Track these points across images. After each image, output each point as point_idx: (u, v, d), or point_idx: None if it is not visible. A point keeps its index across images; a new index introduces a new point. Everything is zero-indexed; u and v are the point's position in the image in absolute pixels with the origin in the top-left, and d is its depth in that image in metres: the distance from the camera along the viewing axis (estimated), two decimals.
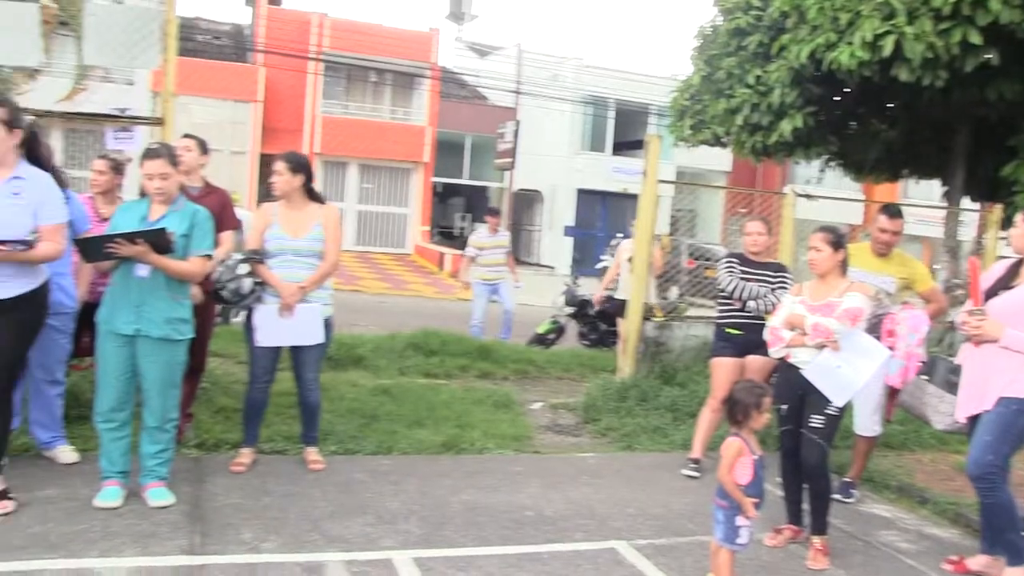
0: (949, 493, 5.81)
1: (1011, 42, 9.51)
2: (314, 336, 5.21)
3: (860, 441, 5.79)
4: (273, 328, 5.12)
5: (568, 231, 29.77)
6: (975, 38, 9.19)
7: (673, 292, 15.82)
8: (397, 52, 26.77)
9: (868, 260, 5.61)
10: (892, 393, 5.37)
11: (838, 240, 4.74)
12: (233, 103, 24.95)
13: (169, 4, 6.06)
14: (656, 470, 5.96)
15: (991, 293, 4.46)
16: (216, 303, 5.45)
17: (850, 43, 10.10)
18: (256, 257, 5.11)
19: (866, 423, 5.67)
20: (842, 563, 4.58)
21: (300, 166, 5.22)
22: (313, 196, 5.30)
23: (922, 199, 23.47)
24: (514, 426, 6.61)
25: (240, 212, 6.00)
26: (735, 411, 3.96)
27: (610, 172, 29.33)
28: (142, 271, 4.39)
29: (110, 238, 4.30)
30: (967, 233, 13.30)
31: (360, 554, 4.15)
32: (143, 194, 4.60)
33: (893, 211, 5.65)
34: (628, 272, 8.78)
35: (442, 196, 31.70)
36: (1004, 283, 4.46)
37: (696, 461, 5.93)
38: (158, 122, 5.99)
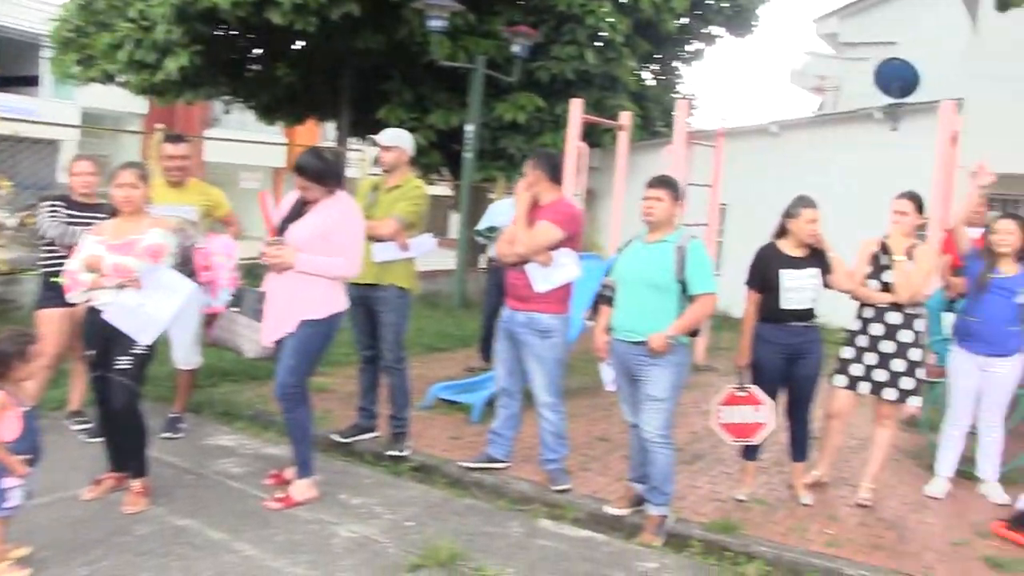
0: None
1: None
2: None
3: (182, 374, 5.88)
4: None
5: None
6: None
7: None
8: None
9: (165, 192, 5.61)
10: (210, 321, 5.52)
11: (144, 175, 4.63)
12: None
13: None
14: None
15: (288, 222, 4.70)
16: None
17: None
18: None
19: (185, 356, 5.77)
20: (165, 500, 4.60)
21: None
22: None
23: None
24: None
25: None
26: None
27: None
28: None
29: None
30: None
31: None
32: None
33: (176, 138, 5.82)
34: None
35: None
36: (297, 213, 4.72)
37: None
38: None
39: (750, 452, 5.20)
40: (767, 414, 4.94)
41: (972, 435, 5.61)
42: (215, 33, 11.81)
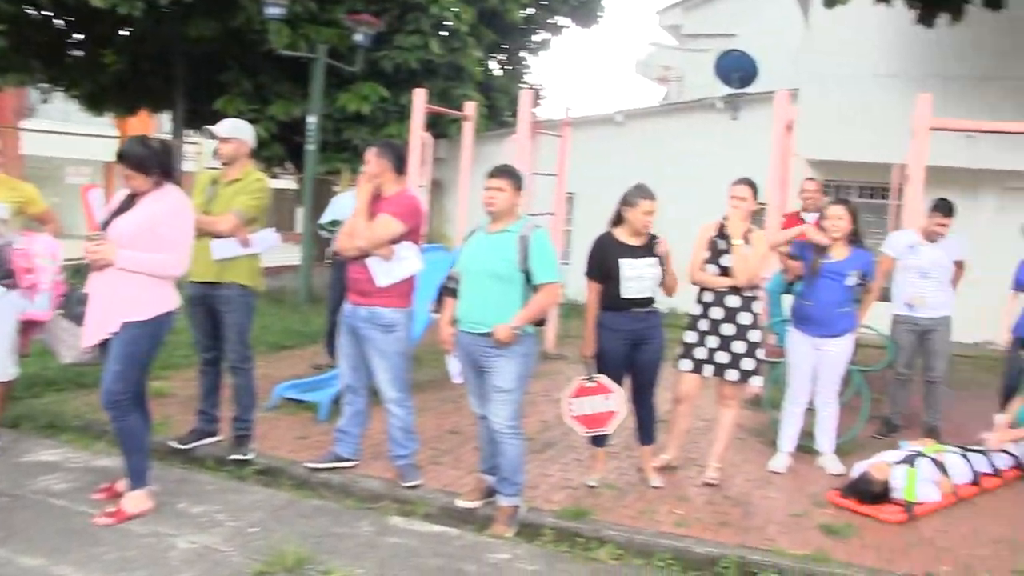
0: None
1: None
2: None
3: None
4: None
5: None
6: None
7: None
8: None
9: None
10: (27, 329, 5.11)
11: None
12: None
13: None
14: None
15: (116, 217, 4.39)
16: None
17: None
18: None
19: (1, 367, 5.32)
20: None
21: None
22: None
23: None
24: None
25: None
26: None
27: None
28: None
29: None
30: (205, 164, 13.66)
31: None
32: None
33: None
34: None
35: None
36: (126, 207, 4.42)
37: None
38: None
39: (600, 439, 5.22)
40: (617, 402, 4.96)
41: (811, 411, 5.83)
42: (26, 12, 10.95)
